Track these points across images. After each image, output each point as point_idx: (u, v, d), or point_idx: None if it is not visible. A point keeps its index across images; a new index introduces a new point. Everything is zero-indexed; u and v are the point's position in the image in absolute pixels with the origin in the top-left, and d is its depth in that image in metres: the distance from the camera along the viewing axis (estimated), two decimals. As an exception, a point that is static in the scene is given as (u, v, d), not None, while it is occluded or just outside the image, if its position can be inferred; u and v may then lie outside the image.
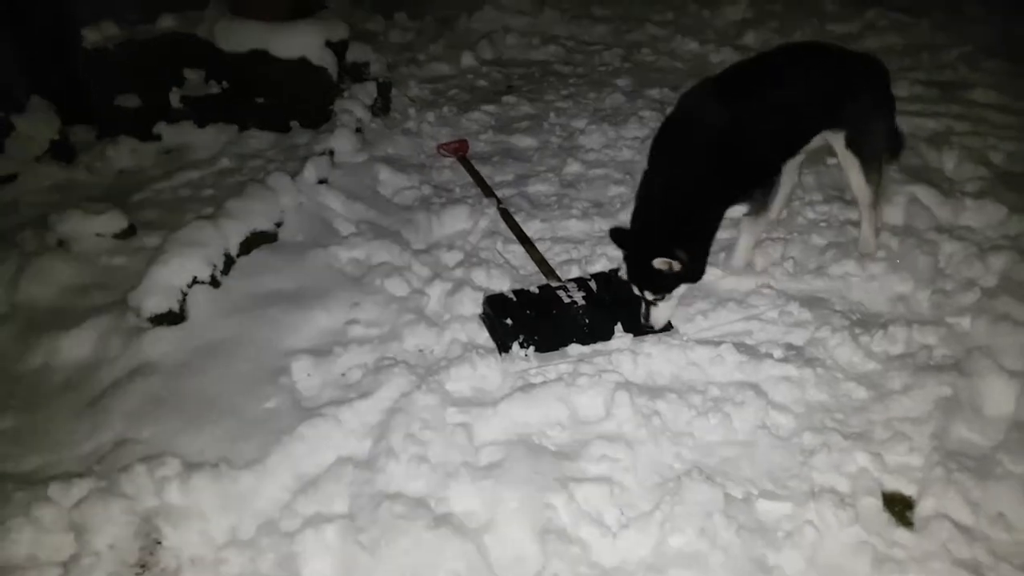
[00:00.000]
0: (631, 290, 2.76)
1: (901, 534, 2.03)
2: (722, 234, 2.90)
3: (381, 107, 4.79)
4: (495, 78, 5.73)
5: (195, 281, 2.89)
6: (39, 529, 2.05)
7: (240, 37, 4.47)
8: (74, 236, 3.35)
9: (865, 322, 2.84)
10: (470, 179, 4.04)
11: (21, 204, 3.93)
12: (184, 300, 2.84)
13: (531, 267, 3.24)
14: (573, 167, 4.14)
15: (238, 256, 3.14)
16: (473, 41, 6.27)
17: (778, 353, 2.67)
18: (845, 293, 3.02)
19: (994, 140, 4.05)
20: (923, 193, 3.48)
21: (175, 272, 2.86)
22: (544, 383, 2.53)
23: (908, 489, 2.18)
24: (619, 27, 6.57)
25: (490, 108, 5.03)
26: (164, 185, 4.06)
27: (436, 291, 3.05)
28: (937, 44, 5.62)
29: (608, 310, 2.83)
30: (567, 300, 2.86)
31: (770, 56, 3.02)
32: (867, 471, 2.20)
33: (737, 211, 2.84)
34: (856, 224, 3.36)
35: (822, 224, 3.46)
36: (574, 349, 2.73)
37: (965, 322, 2.73)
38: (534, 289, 2.95)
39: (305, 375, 2.60)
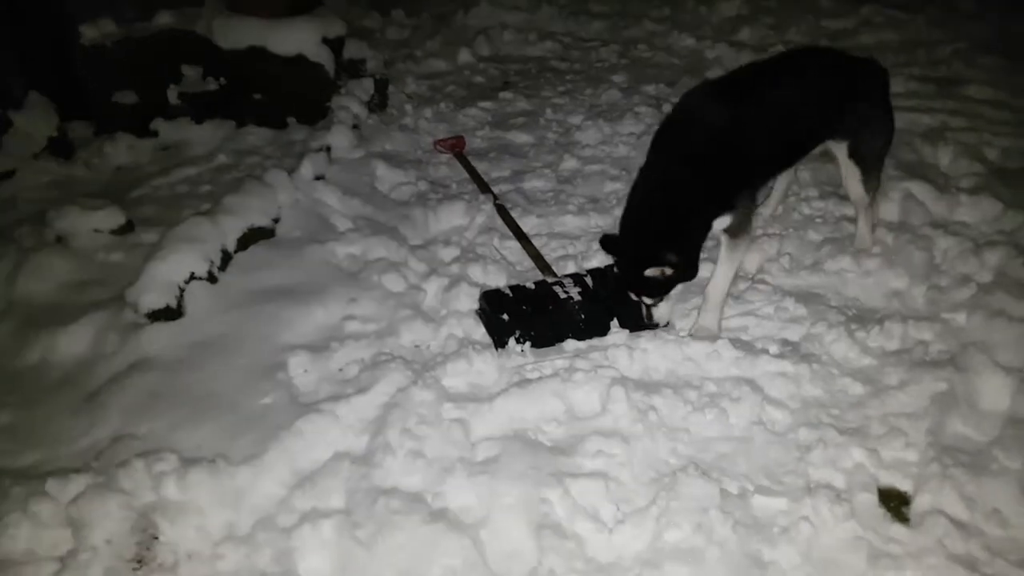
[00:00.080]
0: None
1: (897, 529, 2.04)
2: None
3: (378, 103, 4.79)
4: (492, 74, 5.73)
5: (192, 277, 2.90)
6: (36, 524, 2.05)
7: (238, 34, 4.47)
8: (72, 232, 3.35)
9: (861, 318, 2.85)
10: (467, 175, 4.04)
11: (19, 200, 3.93)
12: (181, 296, 2.85)
13: (527, 263, 3.25)
14: (569, 163, 4.15)
15: (235, 252, 3.14)
16: (470, 37, 6.27)
17: (774, 349, 2.67)
18: (841, 289, 3.03)
19: (989, 136, 4.06)
20: (918, 189, 3.48)
21: (172, 268, 2.86)
22: (540, 378, 2.53)
23: (904, 485, 2.19)
24: (616, 23, 6.57)
25: (487, 104, 5.03)
26: (162, 181, 4.06)
27: (433, 287, 3.05)
28: (932, 40, 5.63)
29: (604, 305, 2.84)
30: (563, 296, 2.87)
31: (774, 62, 2.97)
32: (863, 467, 2.21)
33: (720, 224, 2.66)
34: (852, 220, 3.37)
35: (818, 220, 3.47)
36: (570, 344, 2.74)
37: (961, 318, 2.74)
38: (530, 285, 2.95)
39: (302, 371, 2.61)
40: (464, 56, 5.95)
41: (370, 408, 2.43)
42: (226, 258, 3.08)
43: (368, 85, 4.75)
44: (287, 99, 4.62)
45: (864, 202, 3.10)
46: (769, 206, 3.40)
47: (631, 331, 2.77)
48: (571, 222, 3.56)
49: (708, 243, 2.72)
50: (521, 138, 4.57)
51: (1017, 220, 3.23)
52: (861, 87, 2.93)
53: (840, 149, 2.99)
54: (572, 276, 3.00)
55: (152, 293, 2.78)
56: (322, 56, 4.57)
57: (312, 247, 3.25)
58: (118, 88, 4.55)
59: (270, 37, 4.46)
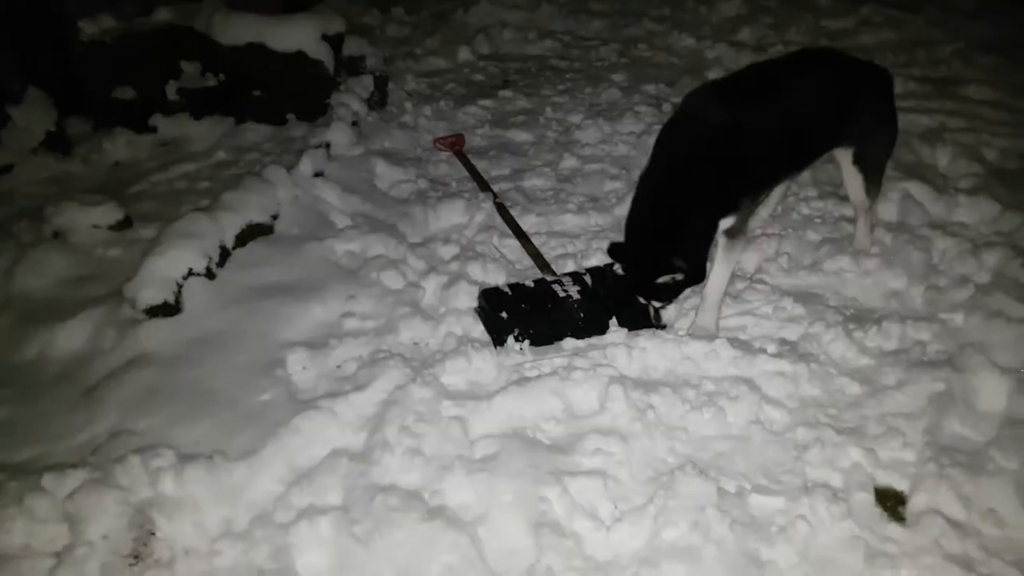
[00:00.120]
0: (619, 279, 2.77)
1: (893, 529, 2.04)
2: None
3: (377, 101, 4.79)
4: (492, 73, 5.72)
5: (191, 273, 2.89)
6: (33, 519, 2.05)
7: (237, 30, 4.46)
8: (70, 228, 3.35)
9: (859, 318, 2.85)
10: (466, 173, 4.04)
11: (17, 195, 3.92)
12: (180, 292, 2.84)
13: (527, 261, 3.24)
14: (569, 162, 4.14)
15: (234, 248, 3.13)
16: (470, 36, 6.26)
17: (772, 348, 2.68)
18: (839, 289, 3.03)
19: (988, 136, 4.06)
20: (917, 189, 3.49)
21: (171, 264, 2.86)
22: (539, 377, 2.53)
23: (900, 484, 2.19)
24: (616, 22, 6.56)
25: (486, 103, 5.02)
26: (160, 177, 4.05)
27: (432, 284, 3.05)
28: (932, 40, 5.63)
29: (603, 304, 2.84)
30: (562, 294, 2.87)
31: (780, 64, 2.93)
32: (860, 466, 2.21)
33: (722, 225, 2.65)
34: (851, 220, 3.38)
35: (817, 220, 3.47)
36: (569, 343, 2.74)
37: (958, 318, 2.74)
38: (529, 283, 2.95)
39: (300, 368, 2.61)
40: (464, 54, 5.95)
41: (368, 405, 2.43)
42: (224, 254, 3.08)
43: (368, 82, 4.75)
44: (286, 96, 4.61)
45: (865, 206, 3.10)
46: (768, 206, 3.40)
47: (630, 330, 2.77)
48: (570, 221, 3.56)
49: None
50: (521, 136, 4.56)
51: (1015, 221, 3.23)
52: (867, 93, 2.90)
53: (844, 156, 2.97)
54: (571, 275, 3.00)
55: (150, 289, 2.78)
56: (322, 53, 4.57)
57: (311, 244, 3.25)
58: (117, 84, 4.54)
59: (269, 34, 4.45)
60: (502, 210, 3.55)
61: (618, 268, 2.94)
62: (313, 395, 2.50)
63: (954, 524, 2.02)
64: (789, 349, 2.69)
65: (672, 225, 2.51)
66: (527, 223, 3.50)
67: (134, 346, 2.70)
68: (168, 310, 2.80)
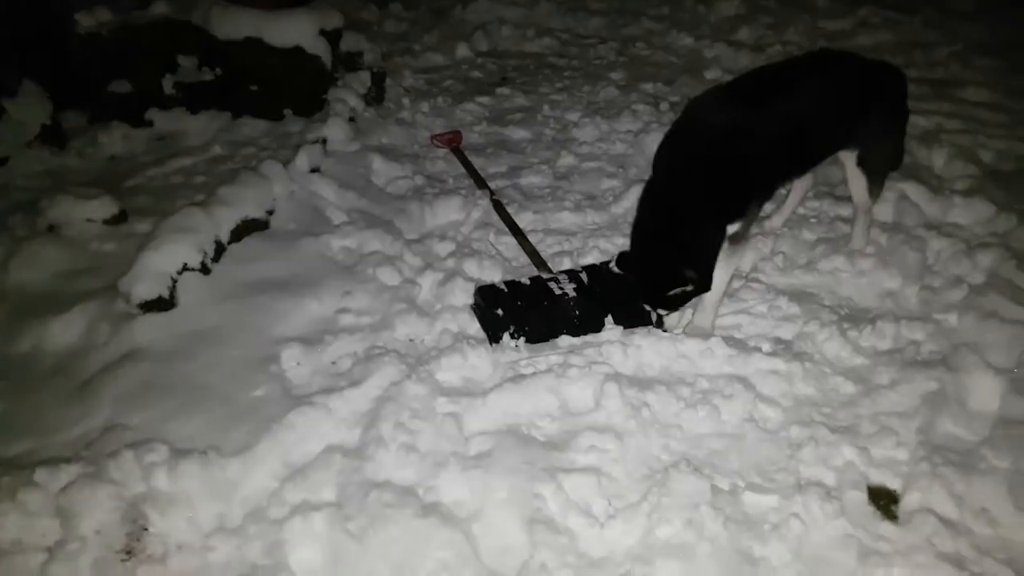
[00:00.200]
0: (622, 283, 2.77)
1: (886, 527, 2.05)
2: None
3: (375, 97, 4.78)
4: (490, 69, 5.72)
5: (185, 268, 2.88)
6: (25, 514, 2.04)
7: (234, 24, 4.44)
8: (65, 221, 3.33)
9: (853, 317, 2.86)
10: (463, 170, 4.04)
11: (12, 189, 3.90)
12: (174, 287, 2.83)
13: (523, 258, 3.24)
14: (566, 159, 4.14)
15: (229, 243, 3.13)
16: (468, 32, 6.25)
17: (767, 347, 2.68)
18: (834, 288, 3.04)
19: (984, 138, 4.07)
20: (912, 190, 3.50)
21: (165, 258, 2.85)
22: (534, 374, 2.53)
23: (893, 483, 2.20)
24: (614, 20, 6.55)
25: (484, 99, 5.01)
26: (156, 171, 4.03)
27: (428, 281, 3.05)
28: (929, 42, 5.64)
29: (599, 302, 2.84)
30: (558, 292, 2.87)
31: (792, 66, 2.88)
32: (853, 465, 2.22)
33: (729, 229, 2.61)
34: (846, 220, 3.39)
35: (812, 220, 3.47)
36: (564, 340, 2.74)
37: (952, 318, 2.75)
38: (525, 280, 2.95)
39: (295, 363, 2.60)
40: (462, 51, 5.94)
41: (363, 401, 2.43)
42: (220, 249, 3.07)
43: (365, 78, 4.74)
44: (283, 91, 4.59)
45: (867, 206, 3.10)
46: (783, 215, 3.37)
47: (625, 328, 2.77)
48: (567, 218, 3.56)
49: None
50: (518, 134, 4.56)
51: (1010, 222, 3.25)
52: (881, 96, 2.87)
53: (850, 158, 2.95)
54: (567, 272, 3.00)
55: (145, 283, 2.77)
56: (319, 48, 4.55)
57: (307, 239, 3.24)
58: (113, 77, 4.52)
59: (267, 28, 4.43)
60: (499, 207, 3.55)
61: (615, 265, 2.94)
62: (307, 391, 2.50)
63: (946, 523, 2.02)
64: (784, 348, 2.69)
65: (682, 235, 2.47)
66: (524, 220, 3.50)
67: (128, 340, 2.69)
68: (162, 305, 2.79)
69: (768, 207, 3.23)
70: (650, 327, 2.78)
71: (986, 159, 3.91)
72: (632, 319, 2.80)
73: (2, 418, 2.48)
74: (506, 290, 2.88)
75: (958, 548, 1.97)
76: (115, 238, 3.34)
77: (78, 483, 2.07)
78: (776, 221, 3.36)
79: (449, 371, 2.57)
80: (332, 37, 4.67)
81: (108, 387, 2.51)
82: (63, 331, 2.80)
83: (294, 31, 4.48)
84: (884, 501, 2.15)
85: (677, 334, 2.75)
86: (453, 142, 4.32)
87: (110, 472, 2.11)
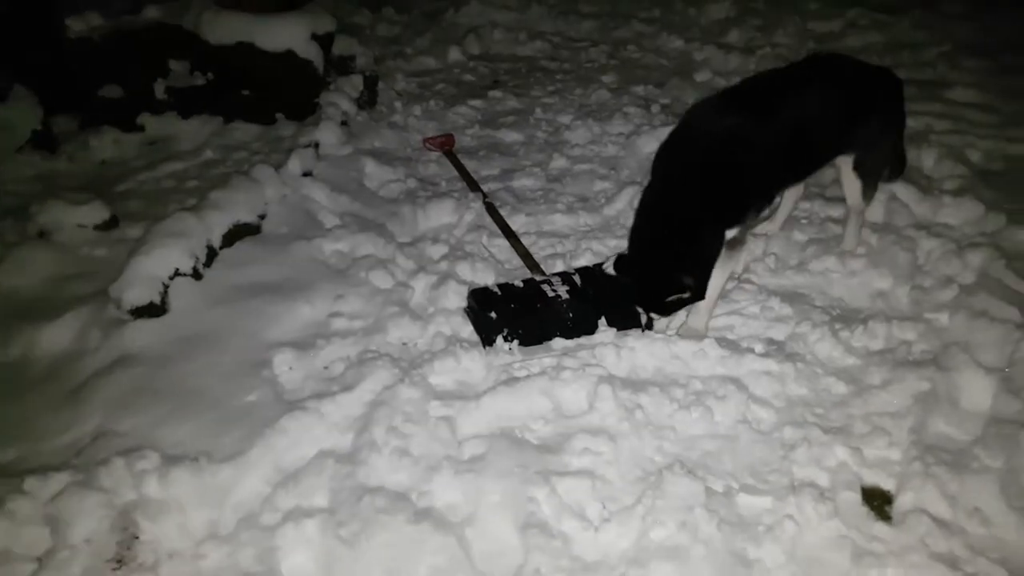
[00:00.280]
0: (615, 285, 2.77)
1: (880, 528, 2.05)
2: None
3: (367, 100, 4.78)
4: (482, 73, 5.72)
5: (177, 273, 2.87)
6: (14, 523, 2.02)
7: (226, 29, 4.44)
8: (55, 226, 3.33)
9: (845, 318, 2.86)
10: (456, 173, 4.03)
11: (2, 194, 3.88)
12: (166, 292, 2.82)
13: (516, 261, 3.24)
14: (559, 162, 4.15)
15: (221, 248, 3.12)
16: (460, 36, 6.26)
17: (759, 348, 2.68)
18: (826, 289, 3.04)
19: (972, 138, 4.09)
20: (902, 191, 3.51)
21: (157, 263, 2.84)
22: (528, 377, 2.53)
23: (887, 483, 2.20)
24: (605, 24, 6.57)
25: (476, 103, 5.02)
26: (147, 176, 4.03)
27: (420, 284, 3.05)
28: (917, 43, 5.67)
29: (592, 304, 2.84)
30: (551, 294, 2.86)
31: (791, 72, 2.86)
32: (847, 465, 2.22)
33: (727, 235, 2.59)
34: (836, 221, 3.40)
35: (803, 221, 3.48)
36: (558, 343, 2.74)
37: (943, 318, 2.76)
38: (519, 283, 2.95)
39: (287, 368, 2.59)
40: (454, 54, 5.94)
41: (356, 406, 2.42)
42: (211, 254, 3.06)
43: (357, 82, 4.74)
44: (275, 95, 4.59)
45: (860, 208, 3.11)
46: (777, 221, 3.38)
47: (619, 330, 2.77)
48: (560, 221, 3.56)
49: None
50: (511, 137, 4.56)
51: (999, 222, 3.26)
52: (878, 101, 2.87)
53: (846, 162, 2.95)
54: (560, 274, 3.00)
55: (136, 288, 2.76)
56: (311, 52, 4.55)
57: (299, 243, 3.23)
58: (104, 82, 4.51)
59: (259, 33, 4.43)
60: (491, 210, 3.55)
61: (608, 267, 2.95)
62: (300, 396, 2.49)
63: (940, 523, 2.03)
64: (776, 349, 2.70)
65: (680, 242, 2.46)
66: (516, 223, 3.49)
67: (119, 346, 2.68)
68: (154, 310, 2.78)
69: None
70: (643, 329, 2.78)
71: (975, 159, 3.93)
72: (625, 321, 2.80)
73: (-8, 426, 2.46)
74: (499, 293, 2.87)
75: (952, 548, 1.98)
76: (106, 243, 3.33)
77: (68, 491, 2.06)
78: (771, 225, 3.36)
79: (442, 374, 2.57)
80: (324, 41, 4.67)
81: (99, 393, 2.50)
82: (54, 337, 2.79)
83: (286, 35, 4.48)
84: (878, 501, 2.15)
85: (670, 335, 2.75)
86: (445, 145, 4.32)
87: (100, 480, 2.10)
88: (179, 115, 4.58)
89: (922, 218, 3.40)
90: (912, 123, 4.24)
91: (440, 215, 3.62)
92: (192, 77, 4.60)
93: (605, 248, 3.27)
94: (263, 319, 2.80)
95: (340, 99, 4.48)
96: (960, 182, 3.65)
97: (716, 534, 1.99)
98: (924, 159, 3.93)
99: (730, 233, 2.57)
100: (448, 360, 2.59)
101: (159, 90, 4.57)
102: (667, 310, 2.60)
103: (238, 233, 3.21)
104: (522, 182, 3.97)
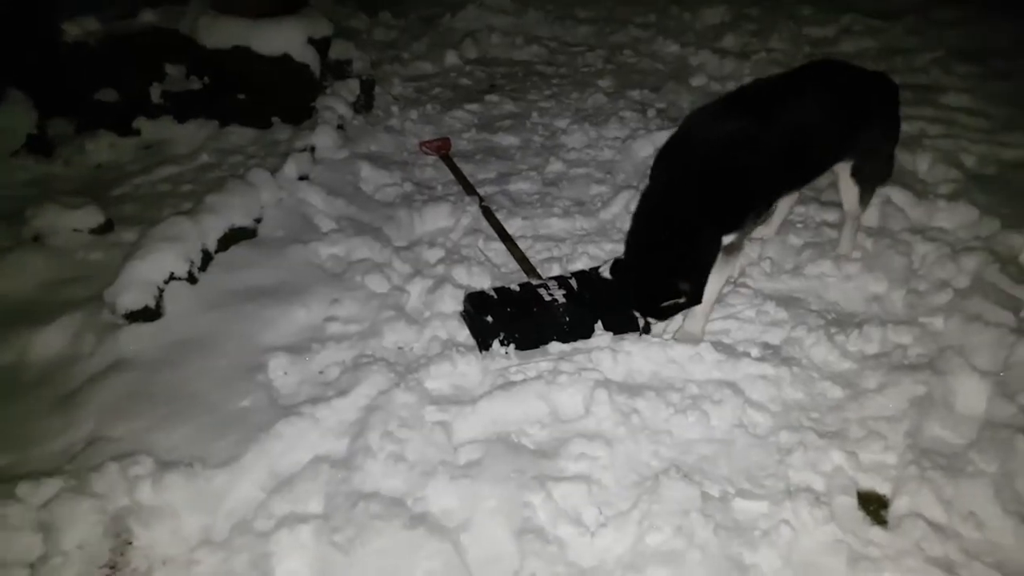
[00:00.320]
0: (612, 289, 2.77)
1: (876, 532, 2.05)
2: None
3: (364, 104, 4.78)
4: (478, 77, 5.73)
5: (172, 277, 2.86)
6: (6, 528, 2.01)
7: (222, 33, 4.44)
8: (50, 230, 3.31)
9: (840, 321, 2.87)
10: (452, 177, 4.03)
11: (-4, 197, 3.87)
12: (161, 296, 2.81)
13: (512, 265, 3.24)
14: (555, 166, 4.15)
15: (216, 252, 3.11)
16: (457, 40, 6.27)
17: (755, 352, 2.69)
18: (821, 293, 3.05)
19: (966, 143, 4.11)
20: (897, 195, 3.52)
21: (152, 268, 2.83)
22: (524, 381, 2.53)
23: (882, 488, 2.20)
24: (602, 29, 6.59)
25: (473, 107, 5.03)
26: (143, 180, 4.02)
27: (417, 288, 3.04)
28: (911, 48, 5.69)
29: (588, 308, 2.84)
30: (548, 298, 2.86)
31: (790, 79, 2.86)
32: (842, 469, 2.22)
33: (724, 240, 2.59)
34: (832, 225, 3.41)
35: (799, 225, 3.49)
36: (554, 347, 2.74)
37: (938, 322, 2.77)
38: (515, 287, 2.95)
39: (282, 373, 2.58)
40: (451, 58, 5.95)
41: (351, 411, 2.41)
42: (207, 258, 3.05)
43: (354, 86, 4.74)
44: (272, 99, 4.58)
45: (857, 213, 3.12)
46: (771, 226, 3.39)
47: (615, 334, 2.77)
48: (556, 224, 3.56)
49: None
50: (507, 141, 4.57)
51: (993, 226, 3.27)
52: (877, 106, 2.87)
53: (844, 168, 2.95)
54: (557, 278, 3.00)
55: (131, 293, 2.75)
56: (308, 56, 4.55)
57: (295, 247, 3.23)
58: (100, 86, 4.50)
59: (255, 37, 4.43)
60: (488, 214, 3.55)
61: (604, 271, 2.95)
62: (295, 400, 2.48)
63: (935, 527, 2.03)
64: (772, 353, 2.70)
65: (678, 247, 2.46)
66: (513, 227, 3.49)
67: (114, 351, 2.67)
68: (148, 315, 2.77)
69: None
70: (639, 333, 2.79)
71: (968, 163, 3.95)
72: (622, 325, 2.80)
73: (-15, 430, 2.45)
74: (496, 297, 2.87)
75: (947, 552, 1.98)
76: (101, 247, 3.32)
77: (61, 496, 2.05)
78: (767, 229, 3.36)
79: (438, 379, 2.56)
80: (321, 45, 4.67)
81: (93, 398, 2.49)
82: (48, 342, 2.77)
83: (282, 39, 4.48)
84: (874, 506, 2.15)
85: (667, 340, 2.75)
86: (442, 149, 4.32)
87: (94, 485, 2.09)
88: (175, 119, 4.57)
89: (917, 222, 3.41)
90: (906, 128, 4.26)
91: (436, 219, 3.62)
92: (188, 81, 4.59)
93: (601, 252, 3.27)
94: (258, 323, 2.79)
95: (336, 103, 4.48)
96: (954, 186, 3.66)
97: (712, 539, 1.99)
98: (918, 163, 3.94)
99: (727, 238, 2.57)
100: (444, 364, 2.59)
101: (155, 94, 4.56)
102: (663, 315, 2.61)
103: (234, 237, 3.20)
104: (518, 186, 3.97)
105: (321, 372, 2.63)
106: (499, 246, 3.36)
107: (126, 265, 2.82)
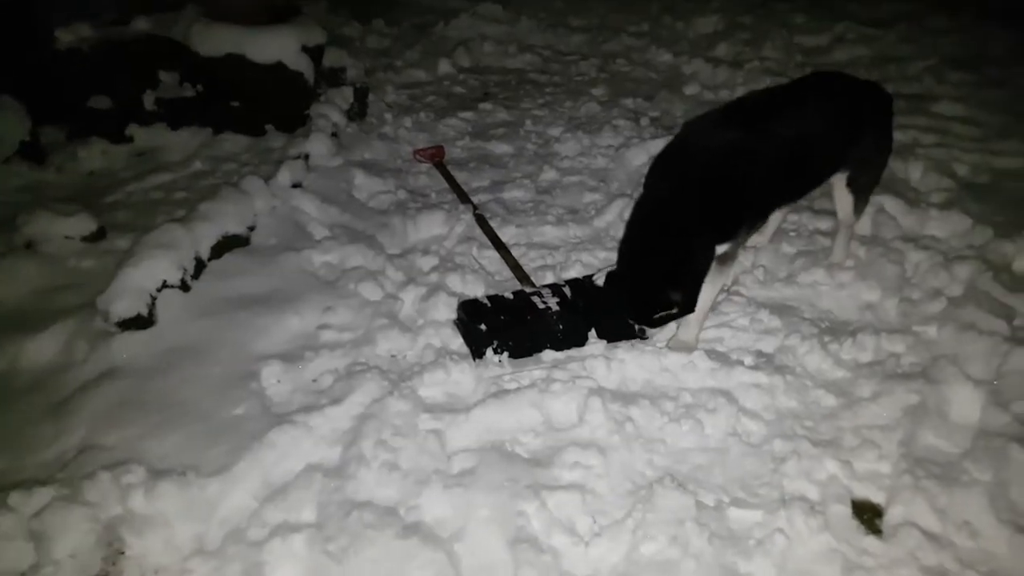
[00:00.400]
0: (605, 297, 2.77)
1: (870, 542, 2.05)
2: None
3: (357, 112, 4.78)
4: (472, 85, 5.74)
5: (165, 285, 2.85)
6: (-2, 538, 2.00)
7: (216, 40, 4.43)
8: (42, 238, 3.29)
9: (834, 330, 2.88)
10: (446, 185, 4.03)
11: (-12, 205, 3.85)
12: (153, 304, 2.80)
13: (506, 273, 3.24)
14: (548, 174, 4.16)
15: (209, 259, 3.10)
16: (450, 48, 6.28)
17: (749, 360, 2.69)
18: (814, 301, 3.06)
19: (958, 152, 4.14)
20: (890, 203, 3.54)
21: (144, 275, 2.81)
22: (518, 389, 2.52)
23: (877, 496, 2.21)
24: (595, 37, 6.62)
25: (467, 115, 5.03)
26: (135, 187, 4.00)
27: (410, 296, 3.04)
28: (904, 57, 5.73)
29: (582, 316, 2.84)
30: (541, 306, 2.86)
31: (787, 89, 2.87)
32: (836, 478, 2.22)
33: (718, 250, 2.59)
34: (825, 233, 3.42)
35: (792, 233, 3.50)
36: (548, 355, 2.74)
37: (932, 330, 2.78)
38: (509, 295, 2.94)
39: (275, 381, 2.57)
40: (444, 67, 5.96)
41: (344, 419, 2.40)
42: (200, 265, 3.04)
43: (348, 94, 4.74)
44: (265, 106, 4.58)
45: (851, 222, 3.13)
46: (765, 234, 3.39)
47: (609, 342, 2.77)
48: (550, 232, 3.57)
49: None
50: (501, 149, 4.57)
51: (986, 235, 3.29)
52: (871, 116, 2.88)
53: (840, 178, 2.96)
54: (550, 286, 3.00)
55: (123, 300, 2.73)
56: (301, 64, 4.55)
57: (288, 255, 3.22)
58: (93, 93, 4.48)
59: (249, 44, 4.42)
60: (482, 222, 3.55)
61: (598, 279, 2.95)
62: (288, 408, 2.47)
63: (930, 536, 2.03)
64: (765, 361, 2.70)
65: (671, 256, 2.46)
66: (506, 235, 3.50)
67: (106, 359, 2.65)
68: (141, 322, 2.75)
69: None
70: (633, 341, 2.78)
71: (961, 172, 3.97)
72: (616, 333, 2.80)
73: (-25, 439, 2.43)
74: (489, 305, 2.87)
75: (941, 561, 1.98)
76: (94, 255, 3.31)
77: (53, 505, 2.03)
78: (760, 238, 3.37)
79: (432, 387, 2.56)
80: (314, 53, 4.67)
81: (85, 406, 2.47)
82: (39, 349, 2.75)
83: (276, 47, 4.47)
84: (868, 515, 2.15)
85: (660, 348, 2.75)
86: (436, 157, 4.33)
87: (86, 494, 2.07)
88: (168, 126, 4.56)
89: (909, 231, 3.42)
90: (899, 136, 4.28)
91: (430, 227, 3.62)
92: (181, 88, 4.58)
93: (595, 260, 3.27)
94: (251, 331, 2.78)
95: (330, 111, 4.48)
96: (947, 195, 3.68)
97: (707, 548, 1.99)
98: (911, 172, 3.97)
99: (722, 247, 2.57)
100: (438, 372, 2.58)
101: (148, 101, 4.55)
102: (656, 324, 2.61)
103: (227, 245, 3.19)
104: (512, 194, 3.98)
105: (314, 380, 2.62)
106: (493, 254, 3.36)
107: (119, 272, 2.81)
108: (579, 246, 3.44)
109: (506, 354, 2.71)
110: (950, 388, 2.47)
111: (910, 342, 2.74)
